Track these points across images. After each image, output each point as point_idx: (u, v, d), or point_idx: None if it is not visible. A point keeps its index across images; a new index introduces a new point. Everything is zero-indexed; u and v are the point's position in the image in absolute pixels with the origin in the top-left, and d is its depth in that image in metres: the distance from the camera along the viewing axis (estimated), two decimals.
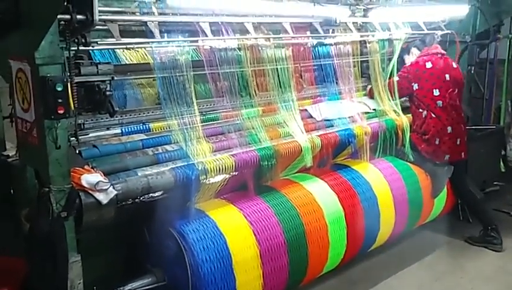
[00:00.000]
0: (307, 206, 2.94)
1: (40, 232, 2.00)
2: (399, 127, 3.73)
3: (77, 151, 2.44)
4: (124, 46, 2.53)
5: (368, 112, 3.76)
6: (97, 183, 2.13)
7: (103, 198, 2.15)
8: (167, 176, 2.42)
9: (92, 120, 2.66)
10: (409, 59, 3.91)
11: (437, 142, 3.72)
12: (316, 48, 3.56)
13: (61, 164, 2.05)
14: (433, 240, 3.93)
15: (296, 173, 3.27)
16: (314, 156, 3.14)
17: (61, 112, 1.95)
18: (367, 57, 3.85)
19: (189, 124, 2.67)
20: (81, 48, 2.24)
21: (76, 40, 2.19)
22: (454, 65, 3.86)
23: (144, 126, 2.82)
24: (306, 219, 2.88)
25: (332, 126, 3.41)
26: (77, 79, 2.46)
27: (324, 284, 3.21)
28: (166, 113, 2.61)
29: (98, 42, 2.31)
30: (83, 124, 2.62)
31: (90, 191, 2.13)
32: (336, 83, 3.67)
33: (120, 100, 2.85)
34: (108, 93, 2.54)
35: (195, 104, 2.71)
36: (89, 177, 2.16)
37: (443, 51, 3.87)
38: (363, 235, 3.25)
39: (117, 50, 2.86)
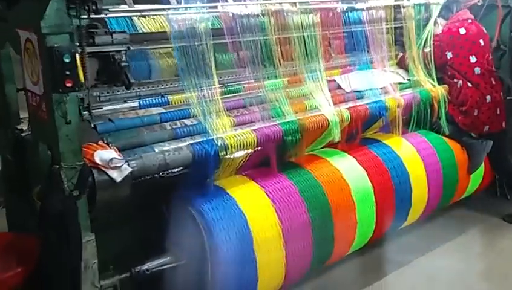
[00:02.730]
0: (333, 184, 2.78)
1: (52, 212, 1.91)
2: (434, 99, 3.49)
3: (92, 126, 2.34)
4: (139, 14, 2.38)
5: (402, 83, 3.53)
6: (111, 160, 2.03)
7: (117, 175, 2.05)
8: (185, 152, 2.29)
9: (108, 93, 2.54)
10: (437, 31, 3.64)
11: (475, 113, 3.48)
12: (347, 14, 3.32)
13: (72, 140, 1.94)
14: (467, 218, 3.73)
15: (323, 148, 3.09)
16: (342, 130, 2.96)
17: (69, 84, 1.83)
18: (401, 23, 3.59)
19: (208, 97, 2.52)
20: (92, 15, 2.09)
21: (87, 8, 2.04)
22: (485, 30, 3.61)
23: (163, 99, 2.69)
24: (332, 197, 2.73)
25: (362, 98, 3.21)
26: (90, 49, 2.38)
27: (348, 263, 3.07)
28: (184, 85, 2.47)
29: (110, 9, 2.15)
30: (99, 96, 2.52)
31: (103, 169, 2.03)
32: (368, 51, 3.44)
33: (139, 71, 2.72)
34: (123, 64, 2.41)
35: (214, 75, 2.56)
36: (103, 154, 2.06)
37: (471, 16, 3.60)
38: (393, 214, 3.09)
39: (134, 18, 2.72)
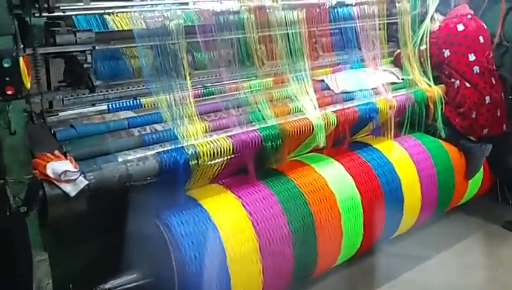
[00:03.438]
0: (317, 193, 2.59)
1: None
2: (430, 100, 3.28)
3: (52, 132, 2.16)
4: (100, 11, 2.20)
5: (396, 82, 3.33)
6: (64, 172, 1.85)
7: (70, 189, 1.87)
8: (151, 162, 2.11)
9: (72, 96, 2.37)
10: (433, 27, 3.42)
11: (474, 116, 3.27)
12: (336, 9, 3.12)
13: (18, 152, 1.77)
14: (465, 224, 3.52)
15: (308, 153, 2.90)
16: (328, 135, 2.77)
17: (10, 92, 1.65)
18: (396, 19, 3.38)
19: (180, 100, 2.34)
20: (45, 14, 1.91)
21: (37, 6, 1.86)
22: (485, 26, 3.39)
23: (135, 102, 2.52)
24: (316, 207, 2.55)
25: (352, 99, 3.01)
26: (52, 50, 2.21)
27: (336, 275, 2.89)
28: (152, 87, 2.28)
29: (61, 7, 1.97)
30: (62, 100, 2.34)
31: (56, 182, 1.85)
32: (359, 49, 3.24)
33: (111, 72, 2.55)
34: (85, 65, 2.23)
35: (187, 76, 2.37)
36: (56, 165, 1.88)
37: (471, 11, 3.38)
38: (383, 223, 2.89)
39: (106, 16, 2.55)
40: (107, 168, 2.02)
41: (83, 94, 2.39)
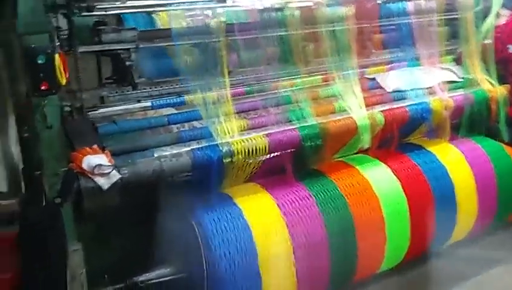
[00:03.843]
0: (359, 195, 2.49)
1: (33, 219, 1.84)
2: (492, 100, 3.05)
3: (94, 127, 2.24)
4: (135, 10, 2.24)
5: (455, 81, 3.12)
6: (97, 166, 1.91)
7: (103, 182, 1.93)
8: (184, 159, 2.13)
9: (117, 92, 2.44)
10: (499, 22, 3.17)
11: None
12: (388, 4, 2.98)
13: (54, 145, 1.85)
14: None
15: (355, 154, 2.79)
16: (375, 136, 2.66)
17: (44, 88, 1.73)
18: (457, 14, 3.18)
19: (218, 98, 2.34)
20: (84, 14, 1.99)
21: (76, 5, 1.93)
22: None
23: (178, 99, 2.55)
24: (357, 210, 2.45)
25: (404, 99, 2.86)
26: (96, 48, 2.30)
27: (378, 283, 2.75)
28: (191, 85, 2.30)
29: (97, 7, 2.03)
30: (108, 96, 2.43)
31: (90, 175, 1.91)
32: (415, 46, 3.08)
33: (152, 70, 2.60)
34: (127, 63, 2.30)
35: (225, 74, 2.36)
36: (92, 159, 1.95)
37: None
38: (433, 230, 2.72)
39: (153, 14, 2.61)
40: (141, 163, 2.06)
41: (128, 91, 2.45)
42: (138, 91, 2.42)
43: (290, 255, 2.26)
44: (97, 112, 2.36)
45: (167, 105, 2.53)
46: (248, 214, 2.25)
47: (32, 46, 1.70)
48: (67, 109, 2.19)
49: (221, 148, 2.19)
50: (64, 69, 1.83)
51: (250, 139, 2.27)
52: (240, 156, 2.23)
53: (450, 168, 2.79)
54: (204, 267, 2.12)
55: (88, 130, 2.20)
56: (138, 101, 2.51)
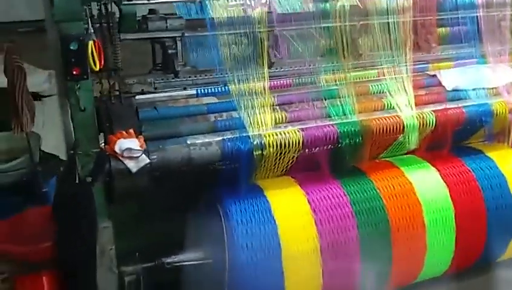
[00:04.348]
0: (399, 199, 2.37)
1: (66, 196, 1.97)
2: None
3: (136, 112, 2.34)
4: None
5: None
6: (127, 149, 2.00)
7: (132, 166, 2.01)
8: (213, 148, 2.15)
9: (162, 79, 2.52)
10: None
11: None
12: None
13: (87, 127, 1.96)
14: None
15: (404, 155, 2.65)
16: (425, 137, 2.50)
17: (76, 73, 1.83)
18: None
19: (256, 89, 2.33)
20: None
21: None
22: None
23: (222, 88, 2.57)
24: (394, 214, 2.33)
25: (463, 98, 2.65)
26: (143, 35, 2.40)
27: None
28: (229, 75, 2.31)
29: None
30: (153, 83, 2.51)
31: (120, 157, 2.00)
32: (484, 42, 2.83)
33: (198, 58, 2.66)
34: (170, 51, 2.37)
35: (265, 66, 2.34)
36: (124, 143, 2.04)
37: None
38: (483, 243, 2.52)
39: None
40: (170, 149, 2.12)
41: (173, 78, 2.53)
42: (183, 79, 2.48)
43: (317, 254, 2.21)
44: (142, 97, 2.46)
45: (212, 94, 2.57)
46: (276, 207, 2.23)
47: (66, 33, 1.81)
48: (112, 93, 2.30)
49: (252, 139, 2.19)
50: (100, 56, 1.92)
51: (284, 133, 2.24)
52: (272, 149, 2.21)
53: (510, 178, 2.55)
54: (226, 256, 2.14)
55: (129, 114, 2.29)
56: (184, 89, 2.59)
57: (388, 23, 2.52)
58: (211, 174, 2.26)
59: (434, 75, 2.83)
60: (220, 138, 2.19)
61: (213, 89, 2.54)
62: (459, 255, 2.47)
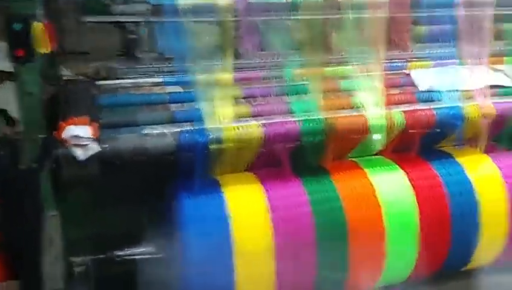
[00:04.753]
0: (358, 201, 2.30)
1: (10, 183, 1.91)
2: None
3: (94, 98, 2.27)
4: None
5: (506, 87, 2.77)
6: (75, 137, 1.93)
7: (80, 154, 1.94)
8: (168, 139, 2.09)
9: (126, 66, 2.45)
10: None
11: None
12: None
13: (33, 112, 1.89)
14: None
15: (373, 155, 2.58)
16: (393, 138, 2.44)
17: (20, 54, 1.76)
18: None
19: (220, 81, 2.26)
20: None
21: None
22: None
23: (189, 78, 2.49)
24: (353, 216, 2.26)
25: (435, 100, 2.58)
26: (105, 18, 2.32)
27: None
28: (191, 65, 2.24)
29: None
30: (116, 68, 2.45)
31: (67, 145, 1.94)
32: (465, 42, 2.75)
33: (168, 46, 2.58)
34: (130, 36, 2.29)
35: (229, 57, 2.27)
36: (73, 130, 1.97)
37: None
38: (447, 250, 2.46)
39: None
40: (123, 138, 2.05)
41: (139, 65, 2.46)
42: (144, 66, 2.41)
43: (271, 252, 2.15)
44: (104, 82, 2.40)
45: (179, 83, 2.50)
46: (232, 203, 2.17)
47: (11, 13, 1.73)
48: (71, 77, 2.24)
49: (209, 132, 2.12)
50: (50, 38, 1.85)
51: (244, 127, 2.17)
52: (230, 144, 2.15)
53: (478, 185, 2.49)
54: (177, 251, 2.09)
55: (87, 100, 2.23)
56: (152, 76, 2.52)
57: (362, 18, 2.45)
58: (168, 166, 2.20)
59: (408, 74, 2.76)
60: (176, 129, 2.13)
61: (179, 78, 2.49)
62: (422, 260, 2.41)
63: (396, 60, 2.88)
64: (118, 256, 2.18)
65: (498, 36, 3.15)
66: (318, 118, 2.28)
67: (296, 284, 2.25)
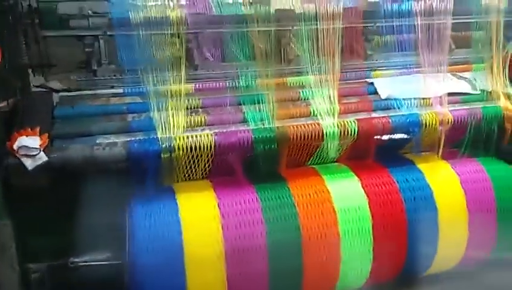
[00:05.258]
0: (313, 207, 2.33)
1: None
2: (507, 119, 2.67)
3: (50, 109, 2.34)
4: None
5: (469, 94, 2.79)
6: (23, 147, 1.99)
7: (29, 163, 2.01)
8: (118, 149, 2.14)
9: (85, 78, 2.53)
10: None
11: None
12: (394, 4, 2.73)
13: None
14: None
15: (332, 162, 2.61)
16: (350, 146, 2.47)
17: None
18: (479, 18, 2.82)
19: (174, 92, 2.32)
20: None
21: None
22: None
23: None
24: (307, 223, 2.29)
25: (392, 108, 2.61)
26: (65, 32, 2.40)
27: None
28: (146, 77, 2.29)
29: None
30: (76, 80, 2.52)
31: (17, 155, 2.00)
32: (429, 51, 2.78)
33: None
34: (86, 49, 2.36)
35: (182, 68, 2.32)
36: (23, 140, 2.04)
37: None
38: (404, 255, 2.47)
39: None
40: (73, 148, 2.11)
41: (95, 77, 2.53)
42: (102, 78, 2.48)
43: (221, 260, 2.18)
44: (63, 94, 2.47)
45: (139, 93, 2.56)
46: (183, 210, 2.21)
47: None
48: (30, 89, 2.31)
49: (160, 142, 2.17)
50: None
51: (195, 136, 2.22)
52: (182, 152, 2.20)
53: (437, 191, 2.50)
54: (127, 259, 2.13)
55: (42, 111, 2.30)
56: (112, 87, 2.59)
57: (317, 29, 2.49)
58: (122, 175, 2.25)
59: (371, 83, 2.80)
60: (127, 139, 2.18)
61: (139, 89, 2.54)
62: (378, 266, 2.42)
63: (361, 69, 2.91)
64: (73, 263, 2.22)
65: (467, 44, 3.19)
66: (270, 127, 2.32)
67: (249, 288, 2.27)
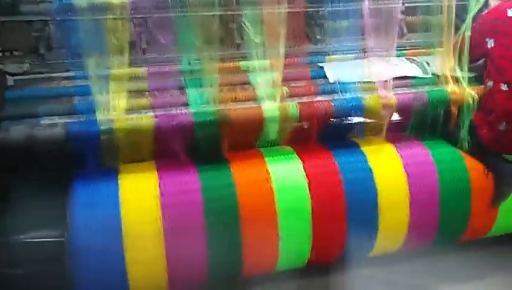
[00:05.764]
0: (251, 187, 2.40)
1: None
2: (453, 102, 2.71)
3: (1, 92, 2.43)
4: None
5: (418, 78, 2.83)
6: None
7: None
8: (58, 130, 2.22)
9: (38, 61, 2.61)
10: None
11: (502, 127, 2.60)
12: None
13: None
14: (484, 264, 2.86)
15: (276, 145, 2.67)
16: (291, 130, 2.53)
17: None
18: (432, 2, 2.84)
19: (117, 74, 2.39)
20: None
21: None
22: None
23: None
24: (245, 202, 2.36)
25: (343, 92, 2.65)
26: (14, 18, 2.47)
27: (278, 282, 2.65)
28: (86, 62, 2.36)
29: None
30: (30, 64, 2.60)
31: None
32: (370, 36, 2.80)
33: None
34: (33, 34, 2.44)
35: (125, 53, 2.39)
36: None
37: None
38: (345, 237, 2.54)
39: None
40: (14, 129, 2.19)
41: (48, 60, 2.61)
42: (50, 61, 2.56)
43: (160, 237, 2.27)
44: (17, 78, 2.55)
45: (88, 77, 2.62)
46: (124, 190, 2.29)
47: None
48: None
49: (99, 123, 2.25)
50: None
51: (135, 119, 2.30)
52: (121, 134, 2.27)
53: (377, 173, 2.55)
54: (67, 237, 2.22)
55: None
56: (67, 71, 2.67)
57: (261, 13, 2.53)
58: (64, 155, 2.33)
59: (321, 67, 2.84)
60: (67, 120, 2.26)
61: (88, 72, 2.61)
62: (318, 246, 2.50)
63: (313, 54, 2.95)
64: (14, 240, 2.31)
65: (426, 29, 3.20)
66: (211, 110, 2.39)
67: (188, 269, 2.36)
